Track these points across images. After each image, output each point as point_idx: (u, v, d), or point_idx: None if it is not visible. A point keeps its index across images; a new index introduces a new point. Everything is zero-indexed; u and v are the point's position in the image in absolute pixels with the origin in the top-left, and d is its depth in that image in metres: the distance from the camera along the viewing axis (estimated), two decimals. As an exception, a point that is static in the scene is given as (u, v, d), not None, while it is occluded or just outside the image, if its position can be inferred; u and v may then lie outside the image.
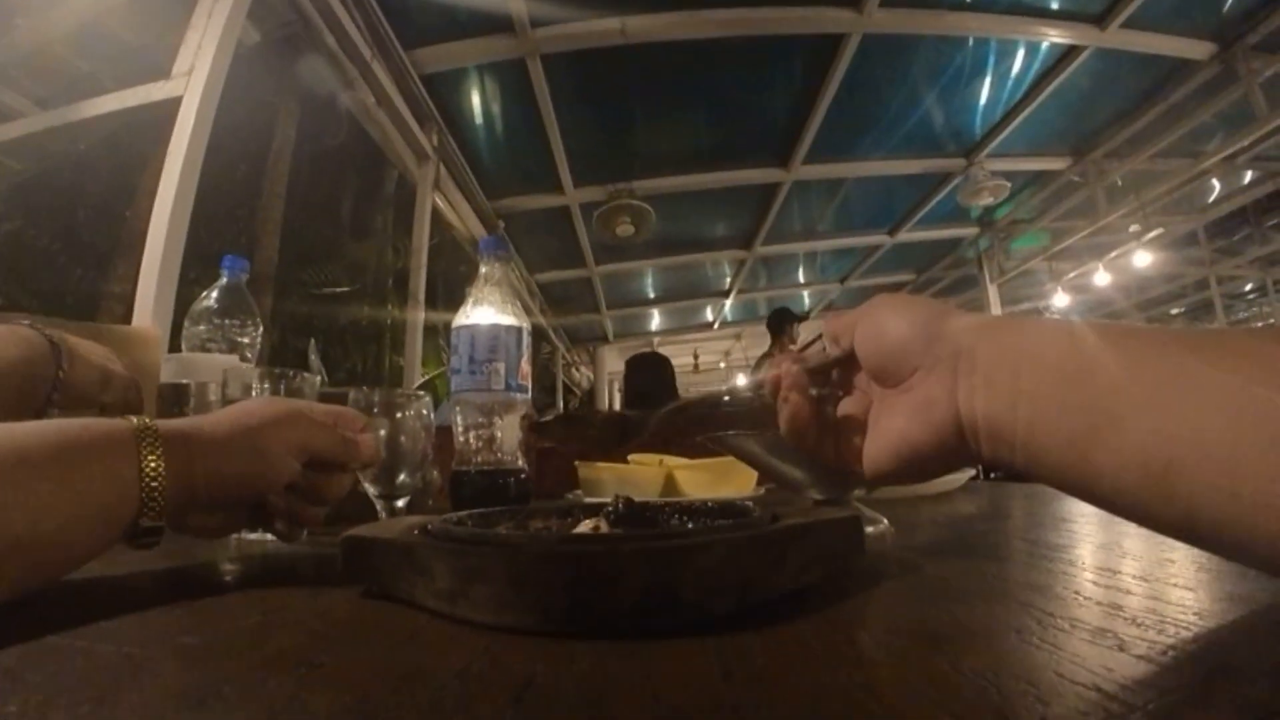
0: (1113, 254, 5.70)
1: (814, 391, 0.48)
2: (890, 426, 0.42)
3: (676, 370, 3.96)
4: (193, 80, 1.78)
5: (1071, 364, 0.33)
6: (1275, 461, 0.25)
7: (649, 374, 3.28)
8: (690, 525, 0.44)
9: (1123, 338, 0.32)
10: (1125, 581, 0.38)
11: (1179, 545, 0.49)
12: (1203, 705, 0.20)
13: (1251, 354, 0.28)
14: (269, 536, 0.68)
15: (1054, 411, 0.33)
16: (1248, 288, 7.69)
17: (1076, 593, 0.36)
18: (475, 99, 3.38)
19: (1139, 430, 0.29)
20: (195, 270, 1.89)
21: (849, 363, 0.46)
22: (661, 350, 7.03)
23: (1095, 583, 0.38)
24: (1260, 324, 7.88)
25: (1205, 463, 0.27)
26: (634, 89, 3.42)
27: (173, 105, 1.77)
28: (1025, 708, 0.20)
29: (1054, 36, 3.20)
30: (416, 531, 0.41)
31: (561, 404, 7.26)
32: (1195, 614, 0.30)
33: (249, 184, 3.38)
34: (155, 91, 1.83)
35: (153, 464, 0.42)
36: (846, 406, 0.47)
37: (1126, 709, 0.20)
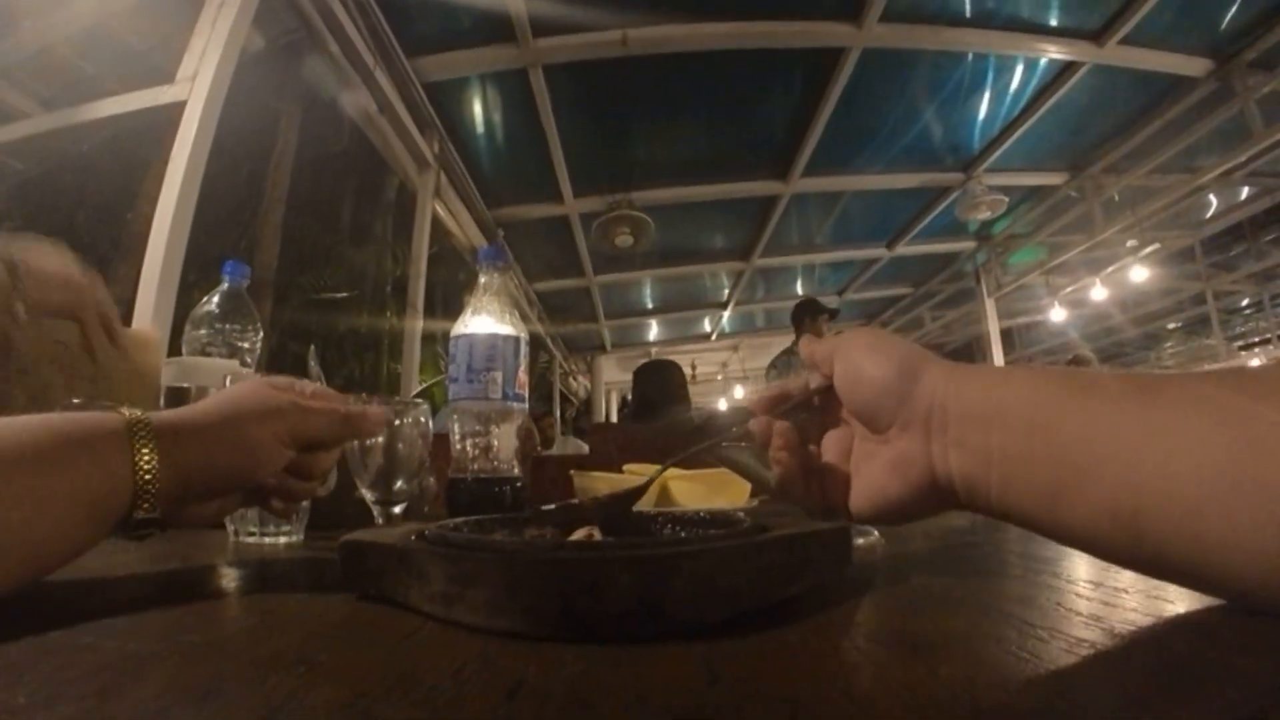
0: (1109, 269, 5.73)
1: (802, 415, 0.49)
2: (872, 478, 0.44)
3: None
4: (197, 85, 1.79)
5: (1039, 418, 0.34)
6: (1236, 505, 0.27)
7: (656, 381, 3.21)
8: (681, 534, 0.44)
9: (1086, 389, 0.33)
10: (1110, 594, 0.38)
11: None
12: (1173, 715, 0.21)
13: (1209, 400, 0.30)
14: (266, 540, 0.69)
15: (1023, 467, 0.35)
16: (1244, 303, 7.72)
17: (1059, 604, 0.36)
18: (477, 108, 3.40)
19: (1106, 481, 0.31)
20: (195, 274, 1.90)
21: (830, 392, 0.47)
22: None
23: (1080, 595, 0.38)
24: (1257, 339, 7.91)
25: (1170, 508, 0.29)
26: (635, 100, 3.44)
27: (176, 110, 1.78)
28: (997, 714, 0.21)
29: (1052, 53, 3.22)
30: (413, 537, 0.42)
31: (558, 413, 7.26)
32: (1175, 625, 0.31)
33: (250, 189, 3.39)
34: (159, 95, 1.85)
35: (146, 457, 0.42)
36: (831, 447, 0.48)
37: (1098, 718, 0.21)
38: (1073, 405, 0.33)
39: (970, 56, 3.26)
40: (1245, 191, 5.11)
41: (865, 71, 3.17)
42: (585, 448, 3.35)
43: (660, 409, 3.05)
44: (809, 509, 0.51)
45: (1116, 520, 0.31)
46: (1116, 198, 4.67)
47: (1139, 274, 5.60)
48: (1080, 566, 0.49)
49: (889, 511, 0.43)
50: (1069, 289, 6.31)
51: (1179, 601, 0.36)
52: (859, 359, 0.44)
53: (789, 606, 0.36)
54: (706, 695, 0.24)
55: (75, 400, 0.77)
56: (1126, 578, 0.43)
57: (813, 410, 0.50)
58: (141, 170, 2.03)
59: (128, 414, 0.44)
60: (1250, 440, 0.28)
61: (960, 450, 0.37)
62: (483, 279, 0.85)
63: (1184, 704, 0.22)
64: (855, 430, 0.47)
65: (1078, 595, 0.38)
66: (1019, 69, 3.40)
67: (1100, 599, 0.37)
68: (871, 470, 0.44)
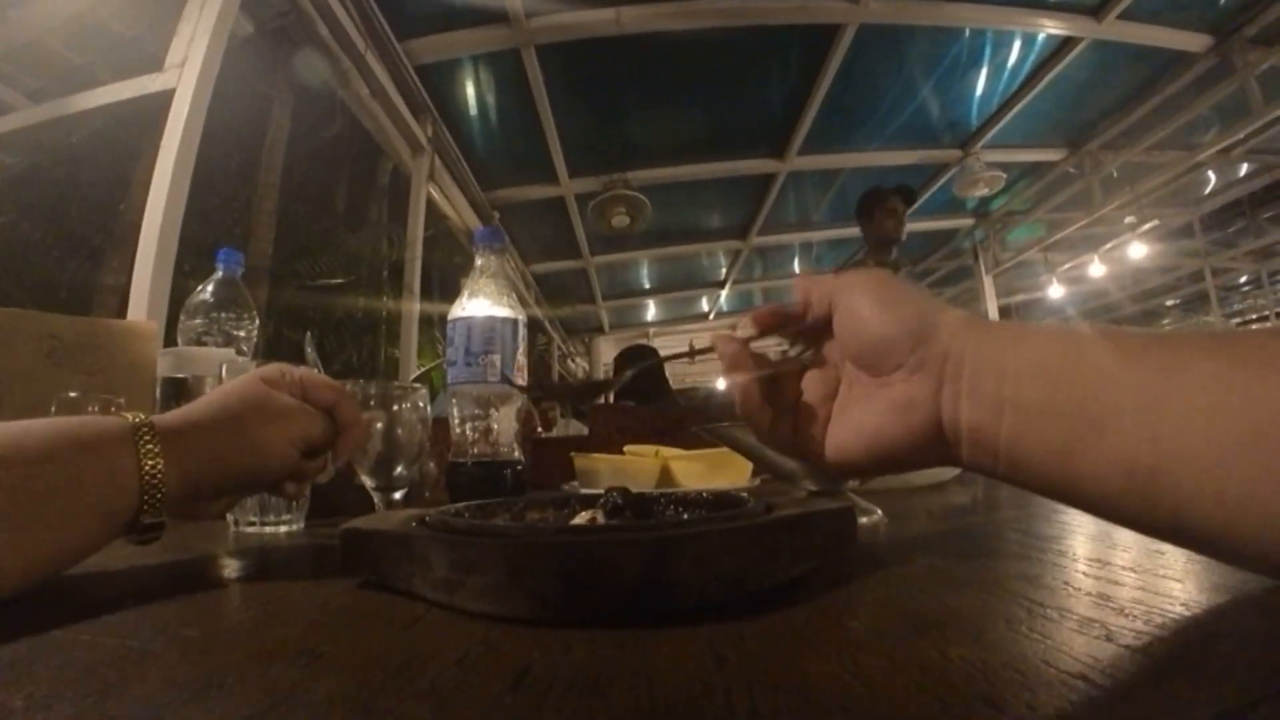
0: (1108, 245, 5.72)
1: (783, 350, 0.47)
2: (864, 420, 0.41)
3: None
4: (186, 72, 1.77)
5: (1056, 370, 0.33)
6: (1258, 462, 0.26)
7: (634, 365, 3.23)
8: (685, 516, 0.44)
9: (1107, 341, 0.32)
10: (1115, 572, 0.38)
11: (1168, 536, 0.49)
12: (1187, 693, 0.21)
13: (1236, 355, 0.28)
14: (266, 528, 0.68)
15: (1037, 418, 0.33)
16: (1242, 280, 7.72)
17: (1066, 583, 0.36)
18: (470, 90, 3.38)
19: (1123, 435, 0.30)
20: (189, 263, 1.89)
21: (820, 330, 0.44)
22: (657, 341, 7.03)
23: (1085, 574, 0.38)
24: (1255, 315, 7.92)
25: (1191, 466, 0.27)
26: (629, 79, 3.41)
27: (166, 97, 1.76)
28: (1012, 694, 0.21)
29: (1050, 28, 3.20)
30: (414, 523, 0.41)
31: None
32: (1183, 605, 0.31)
33: (243, 176, 3.37)
34: (148, 84, 1.83)
35: (151, 461, 0.42)
36: (812, 388, 0.45)
37: (1112, 698, 0.20)
38: (1092, 357, 0.32)
39: (968, 32, 3.24)
40: (1244, 168, 5.10)
41: (862, 47, 3.14)
42: (585, 430, 3.38)
43: (643, 395, 3.08)
44: (811, 469, 0.49)
45: (1132, 478, 0.29)
46: (1115, 174, 4.65)
47: (1137, 251, 5.59)
48: (1083, 545, 0.49)
49: (880, 456, 0.41)
50: (1067, 266, 6.30)
51: (1186, 580, 0.36)
52: (867, 304, 0.41)
53: (794, 587, 0.35)
54: (715, 677, 0.23)
55: (72, 394, 0.77)
56: (1131, 556, 0.43)
57: (805, 339, 0.47)
58: (132, 160, 2.01)
59: (132, 417, 0.43)
60: (1269, 398, 0.26)
61: (972, 399, 0.36)
62: (480, 261, 0.84)
63: (1203, 684, 0.22)
64: (845, 373, 0.44)
65: (1083, 574, 0.38)
66: (1017, 44, 3.38)
67: (1106, 577, 0.37)
68: (865, 413, 0.41)
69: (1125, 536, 0.51)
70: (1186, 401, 0.28)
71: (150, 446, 0.42)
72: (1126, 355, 0.31)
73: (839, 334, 0.43)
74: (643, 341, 5.52)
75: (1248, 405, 0.26)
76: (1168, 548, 0.45)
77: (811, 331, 0.46)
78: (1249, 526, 0.26)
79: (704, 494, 0.50)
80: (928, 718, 0.20)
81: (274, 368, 0.56)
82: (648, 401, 3.05)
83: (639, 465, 0.99)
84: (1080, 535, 0.53)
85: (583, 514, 0.43)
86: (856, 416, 0.42)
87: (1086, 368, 0.32)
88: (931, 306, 0.40)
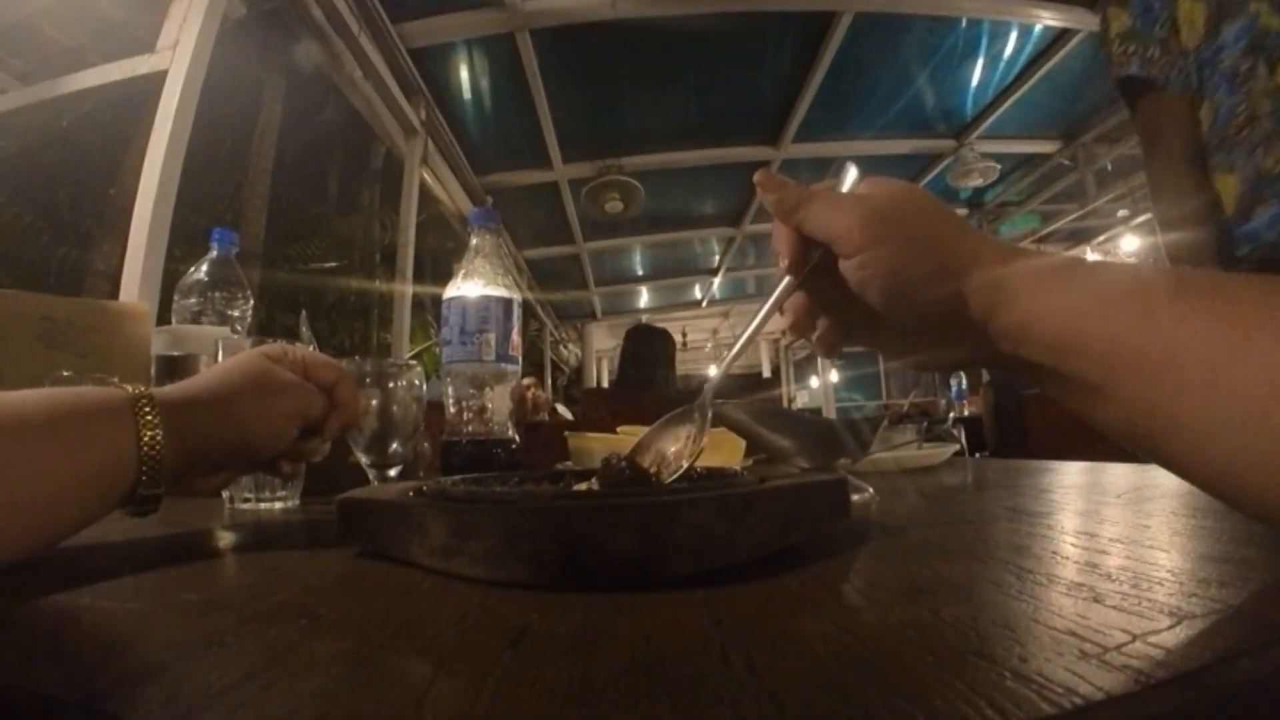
0: (1101, 238, 5.73)
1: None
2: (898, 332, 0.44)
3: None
4: (178, 54, 1.75)
5: (1060, 337, 0.34)
6: (1248, 447, 0.28)
7: (645, 346, 3.24)
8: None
9: (1114, 299, 0.33)
10: (1102, 544, 0.39)
11: (1156, 512, 0.50)
12: (1172, 645, 0.21)
13: (1229, 315, 0.30)
14: (261, 505, 0.69)
15: (1052, 377, 0.36)
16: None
17: (1055, 552, 0.37)
18: (464, 73, 3.35)
19: (1122, 404, 0.33)
20: (181, 248, 1.88)
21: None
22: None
23: (1073, 544, 0.39)
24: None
25: (1182, 438, 0.31)
26: (624, 65, 3.40)
27: (158, 79, 1.74)
28: (1003, 648, 0.21)
29: (1047, 19, 3.19)
30: (411, 494, 0.42)
31: (550, 380, 7.27)
32: (1168, 571, 0.31)
33: (235, 159, 3.35)
34: (140, 65, 1.81)
35: (150, 432, 0.42)
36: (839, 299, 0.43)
37: (1100, 649, 0.21)
38: (1096, 327, 0.33)
39: (964, 22, 3.23)
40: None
41: (858, 36, 3.13)
42: (570, 416, 3.40)
43: (648, 371, 3.08)
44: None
45: (1133, 433, 0.33)
46: (1109, 167, 4.66)
47: (1130, 243, 5.60)
48: (1072, 519, 0.49)
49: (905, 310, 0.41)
50: (1059, 257, 6.31)
51: (1172, 550, 0.37)
52: (886, 267, 0.39)
53: (788, 556, 0.36)
54: (712, 635, 0.24)
55: (65, 374, 0.76)
56: (1118, 529, 0.44)
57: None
58: (124, 142, 2.00)
59: (131, 389, 0.43)
60: (1270, 380, 0.27)
61: (996, 348, 0.38)
62: (474, 241, 0.84)
63: (1188, 639, 0.22)
64: None
65: (1071, 545, 0.39)
66: (1013, 35, 3.37)
67: (1094, 548, 0.38)
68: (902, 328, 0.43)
69: (1111, 513, 0.52)
70: (1183, 377, 0.30)
71: (150, 418, 0.42)
72: (1133, 319, 0.32)
73: (859, 285, 0.40)
74: (652, 324, 5.51)
75: (1245, 383, 0.28)
76: (1153, 523, 0.46)
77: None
78: (1235, 495, 0.30)
79: (698, 469, 0.50)
80: (920, 669, 0.20)
81: (277, 346, 0.56)
82: (648, 378, 3.06)
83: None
84: (1069, 511, 0.54)
85: (580, 485, 0.44)
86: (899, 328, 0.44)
87: (1091, 339, 0.33)
88: (960, 255, 0.38)
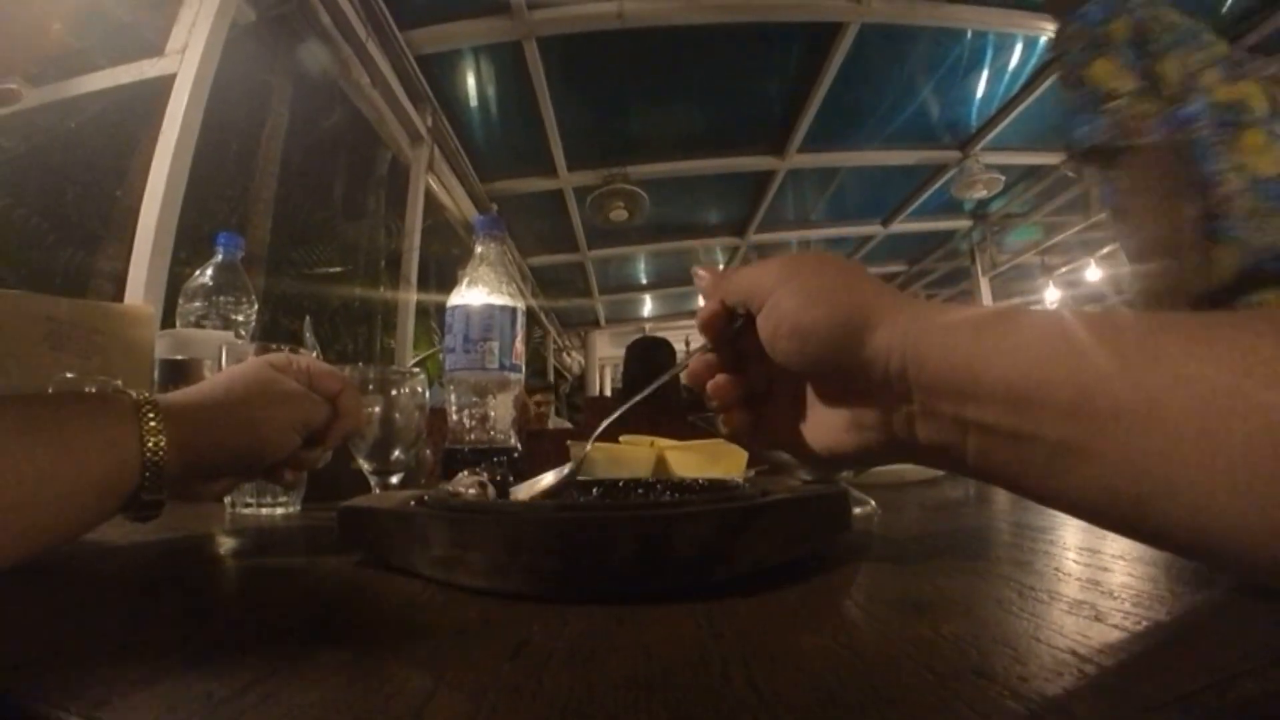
0: (1104, 250, 5.73)
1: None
2: (826, 427, 0.38)
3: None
4: (186, 58, 1.76)
5: (1023, 388, 0.28)
6: (1250, 507, 0.23)
7: (646, 358, 3.23)
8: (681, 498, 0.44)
9: (1078, 342, 0.28)
10: (1104, 560, 0.39)
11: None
12: (1173, 667, 0.21)
13: (1213, 353, 0.25)
14: (263, 510, 0.69)
15: (1007, 440, 0.30)
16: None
17: (1056, 569, 0.37)
18: (470, 81, 3.36)
19: (1104, 464, 0.26)
20: (186, 251, 1.88)
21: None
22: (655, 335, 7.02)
23: (1076, 561, 0.39)
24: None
25: (1176, 500, 0.25)
26: (630, 73, 3.40)
27: (166, 83, 1.75)
28: (1003, 666, 0.21)
29: (1052, 31, 3.19)
30: (413, 502, 0.42)
31: (555, 389, 7.27)
32: (1169, 589, 0.31)
33: (241, 163, 3.36)
34: (148, 69, 1.82)
35: (154, 437, 0.42)
36: (782, 375, 0.41)
37: (1101, 670, 0.21)
38: (1063, 370, 0.27)
39: (969, 34, 3.23)
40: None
41: (864, 47, 3.14)
42: (570, 426, 3.40)
43: (650, 383, 3.06)
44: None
45: (1116, 499, 0.27)
46: (1113, 178, 4.65)
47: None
48: (1074, 535, 0.49)
49: (846, 462, 0.39)
50: (1064, 269, 6.31)
51: (1173, 568, 0.36)
52: (788, 309, 0.36)
53: (788, 570, 0.36)
54: (712, 648, 0.24)
55: (69, 375, 0.77)
56: (1121, 546, 0.43)
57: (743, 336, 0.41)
58: (131, 145, 2.00)
59: (135, 394, 0.43)
60: (1268, 427, 0.23)
61: (928, 420, 0.32)
62: (479, 249, 0.84)
63: (1189, 658, 0.22)
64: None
65: (1073, 561, 0.39)
66: (1018, 47, 3.37)
67: (1096, 564, 0.38)
68: (827, 417, 0.38)
69: (1116, 529, 0.52)
70: (1170, 434, 0.25)
71: (153, 423, 0.42)
72: (1105, 361, 0.27)
73: (766, 344, 0.38)
74: (653, 335, 5.48)
75: (1240, 441, 0.23)
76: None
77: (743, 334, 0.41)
78: (1236, 560, 0.24)
79: (700, 481, 0.50)
80: (919, 687, 0.20)
81: (281, 354, 0.56)
82: (654, 397, 3.05)
83: (635, 454, 0.99)
84: (1071, 526, 0.54)
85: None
86: (822, 418, 0.39)
87: (1059, 384, 0.27)
88: (862, 309, 0.34)
